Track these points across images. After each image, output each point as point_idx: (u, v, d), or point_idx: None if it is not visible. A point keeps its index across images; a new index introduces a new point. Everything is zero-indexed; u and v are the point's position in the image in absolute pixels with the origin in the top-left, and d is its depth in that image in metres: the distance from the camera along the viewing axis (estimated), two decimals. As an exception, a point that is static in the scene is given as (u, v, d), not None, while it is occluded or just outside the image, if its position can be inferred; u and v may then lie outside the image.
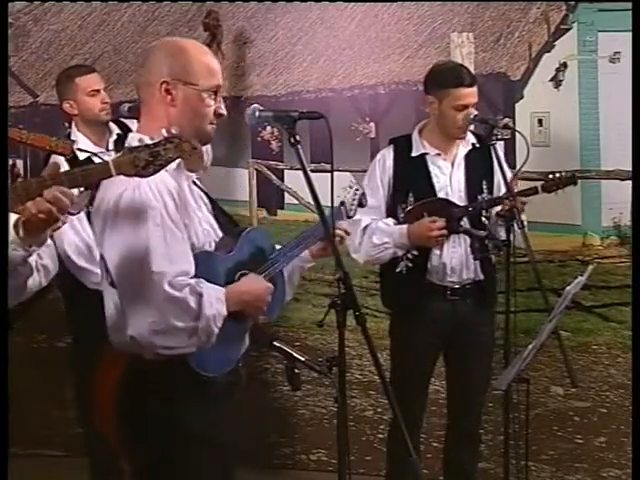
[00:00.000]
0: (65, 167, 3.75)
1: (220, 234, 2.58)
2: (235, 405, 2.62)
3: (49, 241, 2.33)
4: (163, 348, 2.38)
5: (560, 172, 3.98)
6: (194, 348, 2.39)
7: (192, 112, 2.52)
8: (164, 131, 2.43)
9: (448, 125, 3.75)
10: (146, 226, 2.37)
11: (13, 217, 2.22)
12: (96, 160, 4.17)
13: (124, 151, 2.13)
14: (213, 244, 2.54)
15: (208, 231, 2.54)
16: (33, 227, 2.15)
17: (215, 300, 2.38)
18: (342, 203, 3.01)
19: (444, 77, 3.76)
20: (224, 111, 2.55)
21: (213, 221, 2.59)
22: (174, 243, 2.39)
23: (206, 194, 2.64)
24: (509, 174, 3.69)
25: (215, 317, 2.36)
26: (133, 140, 2.50)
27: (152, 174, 2.15)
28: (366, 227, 3.77)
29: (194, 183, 2.60)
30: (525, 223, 3.88)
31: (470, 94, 3.71)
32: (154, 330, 2.35)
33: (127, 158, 2.12)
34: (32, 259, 2.29)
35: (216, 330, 2.37)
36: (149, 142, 2.19)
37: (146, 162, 2.11)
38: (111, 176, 2.12)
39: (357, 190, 3.08)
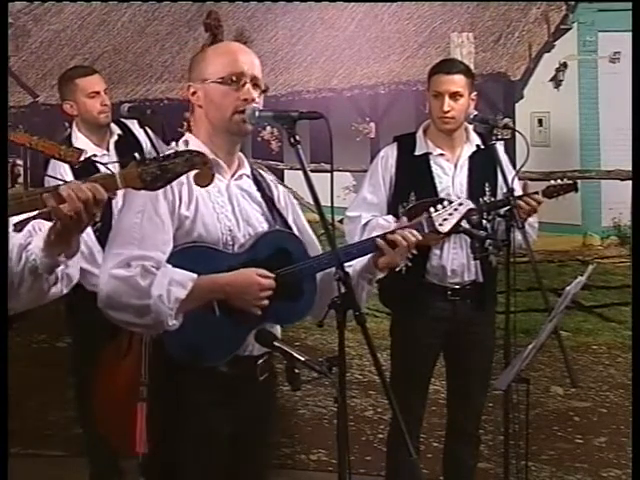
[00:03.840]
0: (68, 172, 3.80)
1: (261, 231, 2.63)
2: (250, 401, 2.63)
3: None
4: (121, 322, 2.47)
5: (561, 178, 3.98)
6: (153, 329, 2.44)
7: (213, 106, 2.58)
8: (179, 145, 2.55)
9: (432, 116, 3.76)
10: (130, 210, 2.49)
11: (46, 224, 2.22)
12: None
13: (132, 164, 2.10)
14: (242, 240, 2.58)
15: (231, 227, 2.57)
16: (65, 229, 2.13)
17: (169, 281, 2.40)
18: (429, 217, 2.88)
19: (431, 68, 3.79)
20: (250, 95, 2.55)
21: (261, 220, 2.64)
22: (150, 231, 2.45)
23: (263, 192, 2.70)
24: (510, 176, 3.67)
25: (163, 297, 2.39)
26: (183, 141, 2.63)
27: (160, 188, 2.12)
28: (366, 224, 3.77)
29: (256, 181, 2.69)
30: (536, 225, 3.89)
31: (447, 81, 3.67)
32: (107, 305, 2.44)
33: (135, 171, 2.08)
34: (59, 268, 2.29)
35: (168, 311, 2.39)
36: (158, 155, 2.18)
37: (154, 176, 2.09)
38: (117, 189, 2.10)
39: (461, 204, 2.94)
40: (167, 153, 2.15)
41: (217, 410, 2.56)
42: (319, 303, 2.60)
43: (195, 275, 2.44)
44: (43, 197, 2.05)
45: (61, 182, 2.09)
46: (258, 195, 2.70)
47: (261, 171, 2.79)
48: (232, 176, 2.64)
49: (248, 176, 2.70)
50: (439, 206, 2.93)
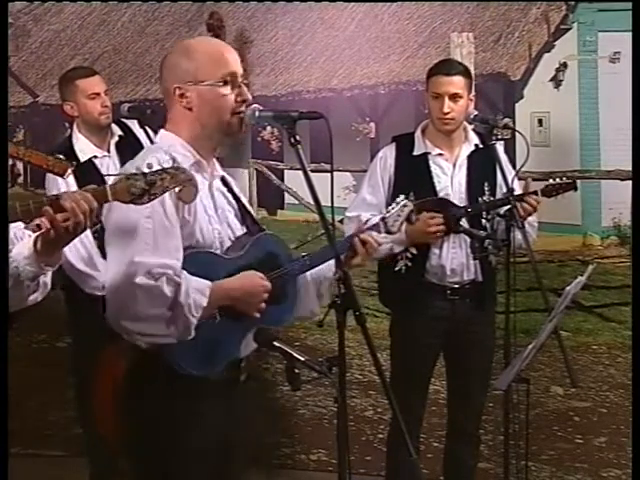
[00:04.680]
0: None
1: (240, 235, 2.61)
2: (234, 404, 2.62)
3: None
4: (140, 335, 2.41)
5: (560, 177, 3.98)
6: (173, 338, 2.40)
7: (208, 108, 2.54)
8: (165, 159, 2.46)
9: (431, 117, 3.76)
10: (139, 216, 2.40)
11: (27, 233, 2.25)
12: (97, 162, 4.19)
13: (121, 177, 2.16)
14: (228, 244, 2.55)
15: (220, 231, 2.54)
16: (56, 239, 2.15)
17: (193, 290, 2.38)
18: (383, 219, 2.95)
19: (430, 69, 3.79)
20: (247, 96, 2.53)
21: (235, 222, 2.62)
22: (162, 237, 2.41)
23: (234, 195, 2.67)
24: (510, 176, 3.67)
25: (191, 306, 2.37)
26: (161, 138, 2.60)
27: (146, 203, 2.18)
28: (365, 223, 3.77)
29: (224, 182, 2.66)
30: (535, 224, 3.89)
31: (447, 82, 3.67)
32: (124, 315, 2.38)
33: (124, 185, 2.15)
34: (40, 277, 2.31)
35: (193, 320, 2.38)
36: (146, 170, 2.20)
37: (142, 190, 2.15)
38: (107, 201, 2.16)
39: (405, 206, 3.00)
40: (154, 169, 2.21)
41: (209, 414, 2.53)
42: (302, 305, 2.67)
43: (209, 282, 2.43)
44: (44, 208, 2.08)
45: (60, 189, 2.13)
46: (230, 196, 2.68)
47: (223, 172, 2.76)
48: (211, 176, 2.62)
49: (220, 177, 2.68)
50: (390, 207, 3.01)
